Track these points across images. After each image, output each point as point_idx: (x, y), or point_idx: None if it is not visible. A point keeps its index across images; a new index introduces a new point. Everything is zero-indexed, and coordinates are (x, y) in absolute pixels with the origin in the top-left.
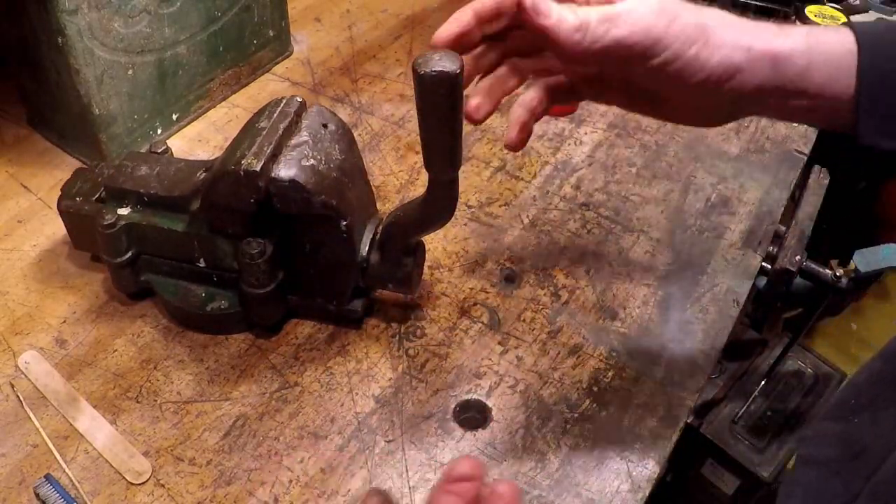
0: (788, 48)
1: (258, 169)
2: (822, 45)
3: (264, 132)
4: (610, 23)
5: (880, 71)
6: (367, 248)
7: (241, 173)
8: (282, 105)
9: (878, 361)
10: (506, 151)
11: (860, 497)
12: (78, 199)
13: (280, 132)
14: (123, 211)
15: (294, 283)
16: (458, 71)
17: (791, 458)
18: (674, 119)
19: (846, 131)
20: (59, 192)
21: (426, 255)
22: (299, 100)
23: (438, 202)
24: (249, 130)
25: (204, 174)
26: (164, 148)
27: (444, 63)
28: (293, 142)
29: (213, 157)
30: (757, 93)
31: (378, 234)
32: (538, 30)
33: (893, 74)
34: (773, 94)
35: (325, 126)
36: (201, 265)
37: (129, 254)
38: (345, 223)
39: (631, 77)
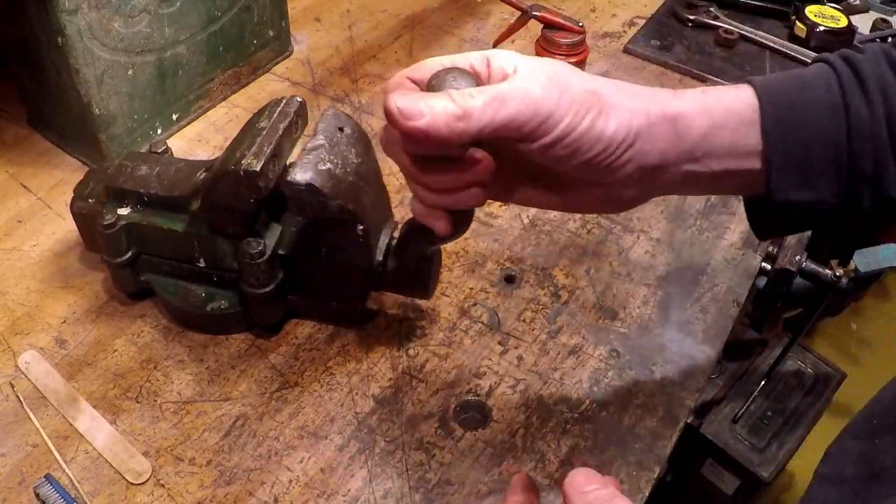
0: (685, 109)
1: (258, 169)
2: (721, 102)
3: (264, 132)
4: (498, 103)
5: (784, 122)
6: (383, 252)
7: (241, 173)
8: (282, 105)
9: None
10: None
11: None
12: (90, 200)
13: (280, 132)
14: (123, 211)
15: (307, 286)
16: None
17: (791, 458)
18: (585, 208)
19: (758, 193)
20: (72, 194)
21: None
22: (299, 100)
23: (457, 215)
24: (249, 130)
25: (204, 174)
26: (164, 148)
27: (458, 85)
28: (309, 145)
29: (213, 157)
30: (661, 160)
31: (394, 239)
32: (414, 133)
33: (799, 125)
34: (680, 160)
35: (340, 129)
36: (201, 265)
37: (129, 254)
38: (361, 227)
39: (526, 161)
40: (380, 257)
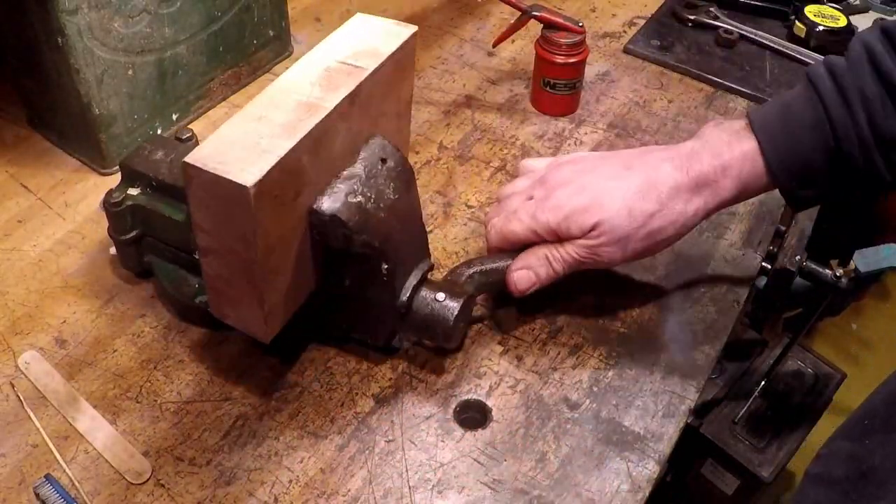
0: (729, 194)
1: None
2: (743, 172)
3: None
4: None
5: (782, 150)
6: (408, 293)
7: None
8: None
9: (894, 382)
10: (506, 151)
11: None
12: None
13: None
14: (133, 191)
15: (334, 312)
16: None
17: (791, 458)
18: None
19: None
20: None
21: None
22: None
23: None
24: None
25: None
26: (188, 135)
27: None
28: (345, 172)
29: None
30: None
31: (424, 281)
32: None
33: (793, 147)
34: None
35: (383, 161)
36: (197, 257)
37: (134, 233)
38: (386, 266)
39: None
40: (404, 298)
